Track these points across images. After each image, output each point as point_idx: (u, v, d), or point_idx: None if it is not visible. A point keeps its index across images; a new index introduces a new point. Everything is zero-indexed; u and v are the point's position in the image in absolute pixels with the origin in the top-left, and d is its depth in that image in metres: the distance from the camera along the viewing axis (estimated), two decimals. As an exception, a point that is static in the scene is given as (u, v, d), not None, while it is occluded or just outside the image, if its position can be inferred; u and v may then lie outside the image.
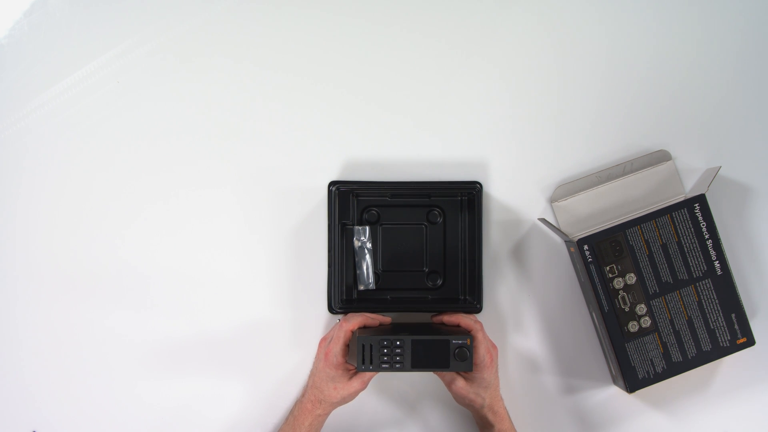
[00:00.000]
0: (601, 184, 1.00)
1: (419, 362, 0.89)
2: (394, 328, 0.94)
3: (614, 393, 1.01)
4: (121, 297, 1.00)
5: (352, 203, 1.00)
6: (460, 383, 0.92)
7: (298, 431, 0.94)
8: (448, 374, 0.93)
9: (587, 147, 1.01)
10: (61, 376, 1.00)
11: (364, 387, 0.92)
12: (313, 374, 0.96)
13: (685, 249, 0.95)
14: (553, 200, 1.00)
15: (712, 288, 0.95)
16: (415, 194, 0.99)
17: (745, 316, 0.95)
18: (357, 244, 0.99)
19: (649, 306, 0.95)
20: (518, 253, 1.01)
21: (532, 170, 1.01)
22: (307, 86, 1.00)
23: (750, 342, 0.95)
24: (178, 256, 1.00)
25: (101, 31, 1.00)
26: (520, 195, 1.01)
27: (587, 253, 0.95)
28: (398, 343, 0.88)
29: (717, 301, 0.95)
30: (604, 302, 0.95)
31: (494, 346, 0.94)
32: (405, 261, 1.00)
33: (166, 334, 1.00)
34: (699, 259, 0.95)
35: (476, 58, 1.01)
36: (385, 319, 0.97)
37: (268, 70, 1.00)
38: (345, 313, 0.98)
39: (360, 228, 0.99)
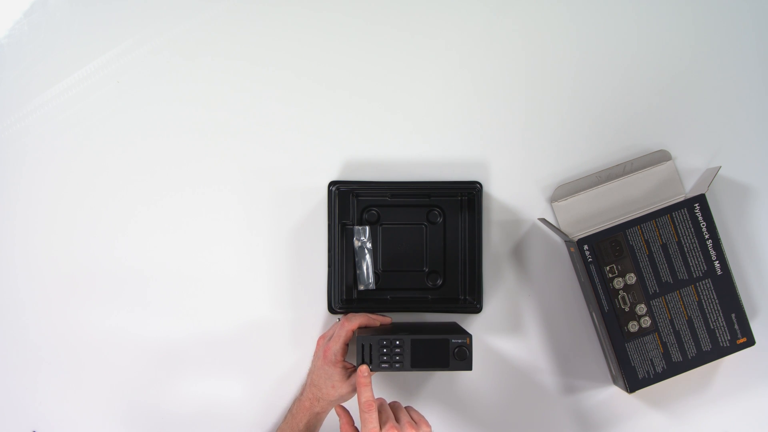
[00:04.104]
0: (601, 184, 1.00)
1: (419, 362, 0.89)
2: (394, 328, 0.94)
3: (614, 393, 1.01)
4: (120, 297, 1.00)
5: (352, 203, 1.00)
6: None
7: (296, 429, 0.94)
8: None
9: (587, 147, 1.01)
10: (61, 376, 1.00)
11: (362, 386, 0.93)
12: (311, 372, 0.96)
13: (685, 249, 0.95)
14: (553, 200, 1.00)
15: (712, 288, 0.95)
16: (415, 194, 0.99)
17: (745, 316, 0.95)
18: (357, 244, 0.99)
19: (649, 306, 0.95)
20: (518, 253, 1.01)
21: (532, 170, 1.01)
22: (307, 86, 1.00)
23: (750, 342, 0.95)
24: (178, 256, 1.00)
25: (101, 31, 1.00)
26: (520, 195, 1.01)
27: (587, 253, 0.95)
28: (398, 342, 0.88)
29: (717, 301, 0.95)
30: (604, 302, 0.95)
31: None
32: (405, 261, 1.00)
33: (165, 333, 1.00)
34: (699, 259, 0.95)
35: (476, 57, 1.01)
36: (385, 319, 0.97)
37: (268, 70, 1.00)
38: (345, 313, 0.98)
39: (360, 228, 0.99)
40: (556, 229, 0.98)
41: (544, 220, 0.99)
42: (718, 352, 0.95)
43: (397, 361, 0.88)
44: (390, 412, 0.85)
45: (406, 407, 0.88)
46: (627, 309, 0.95)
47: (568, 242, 0.98)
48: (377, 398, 0.87)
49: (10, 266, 1.00)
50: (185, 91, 1.00)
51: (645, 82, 1.01)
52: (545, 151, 1.01)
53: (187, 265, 1.00)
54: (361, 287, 1.00)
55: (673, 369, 0.95)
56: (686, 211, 0.95)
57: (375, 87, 1.01)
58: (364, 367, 0.87)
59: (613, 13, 1.01)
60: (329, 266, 0.99)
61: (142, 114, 1.00)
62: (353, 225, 0.99)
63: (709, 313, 0.95)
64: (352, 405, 0.92)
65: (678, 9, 1.01)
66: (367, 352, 0.88)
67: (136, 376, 1.00)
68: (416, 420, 0.85)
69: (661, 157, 1.00)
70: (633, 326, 0.94)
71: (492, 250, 1.01)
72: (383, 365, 0.88)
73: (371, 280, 1.00)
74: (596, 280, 0.95)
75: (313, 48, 1.00)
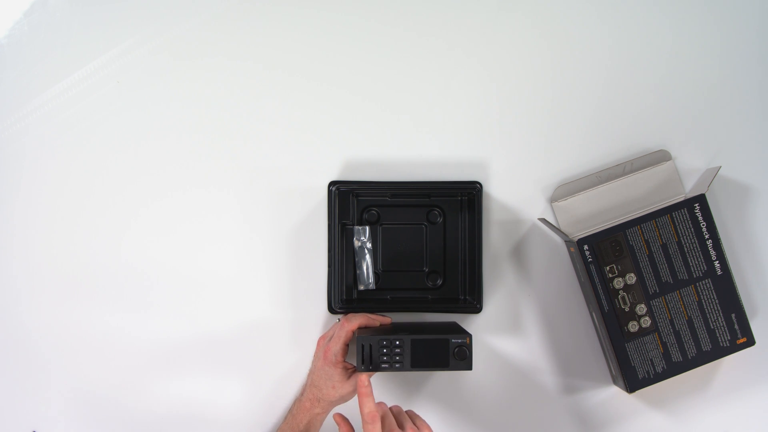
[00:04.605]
0: (601, 184, 1.00)
1: (419, 362, 0.89)
2: (394, 328, 0.94)
3: (614, 393, 1.01)
4: (121, 297, 1.00)
5: (352, 203, 1.00)
6: None
7: (296, 430, 0.94)
8: None
9: (587, 147, 1.01)
10: (61, 376, 1.00)
11: (362, 386, 0.92)
12: (311, 373, 0.96)
13: (685, 249, 0.95)
14: (553, 200, 1.00)
15: (712, 288, 0.95)
16: (415, 194, 0.99)
17: (745, 316, 0.95)
18: (357, 244, 0.99)
19: (649, 306, 0.95)
20: (518, 253, 1.01)
21: (532, 170, 1.01)
22: (307, 86, 1.00)
23: (750, 342, 0.95)
24: (178, 257, 1.00)
25: (101, 31, 1.00)
26: (520, 195, 1.01)
27: (587, 253, 0.95)
28: (398, 342, 0.88)
29: (717, 301, 0.95)
30: (604, 302, 0.95)
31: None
32: (405, 261, 1.00)
33: (166, 334, 1.00)
34: (699, 259, 0.95)
35: (476, 57, 1.01)
36: (385, 319, 0.97)
37: (268, 70, 1.00)
38: (345, 313, 0.98)
39: (360, 228, 0.99)
40: (556, 229, 0.98)
41: (544, 220, 0.99)
42: (718, 352, 0.95)
43: (397, 361, 0.88)
44: (392, 419, 0.84)
45: (407, 411, 0.87)
46: (627, 309, 0.95)
47: (568, 242, 0.98)
48: (378, 402, 0.86)
49: (9, 266, 1.00)
50: (185, 91, 1.00)
51: (645, 83, 1.01)
52: (545, 151, 1.01)
53: (187, 265, 1.00)
54: (361, 287, 1.00)
55: (673, 369, 0.95)
56: (686, 211, 0.95)
57: (375, 87, 1.01)
58: (364, 377, 0.84)
59: (613, 13, 1.01)
60: (329, 266, 0.99)
61: (142, 114, 1.00)
62: (353, 225, 0.99)
63: (709, 313, 0.95)
64: (352, 407, 0.92)
65: (678, 9, 1.01)
66: (367, 352, 0.88)
67: (135, 376, 1.00)
68: (419, 426, 0.84)
69: (661, 157, 1.00)
70: (633, 326, 0.94)
71: (492, 250, 1.01)
72: (383, 365, 0.88)
73: (371, 280, 1.00)
74: (596, 280, 0.95)
75: (313, 48, 1.00)
